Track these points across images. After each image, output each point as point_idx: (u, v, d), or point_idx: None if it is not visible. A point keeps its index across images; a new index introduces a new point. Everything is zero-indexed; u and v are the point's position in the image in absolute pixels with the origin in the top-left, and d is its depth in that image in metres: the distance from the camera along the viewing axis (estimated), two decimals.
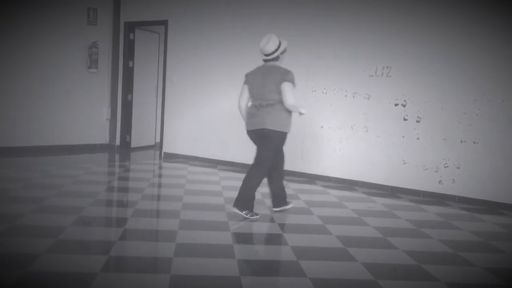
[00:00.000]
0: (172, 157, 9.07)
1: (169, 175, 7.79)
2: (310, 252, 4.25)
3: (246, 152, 8.23)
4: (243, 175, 7.55)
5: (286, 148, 7.76)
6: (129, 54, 9.84)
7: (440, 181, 6.60)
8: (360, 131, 7.15)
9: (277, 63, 5.27)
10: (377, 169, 7.04)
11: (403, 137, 6.82)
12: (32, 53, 8.82)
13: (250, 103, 5.31)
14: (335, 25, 7.31)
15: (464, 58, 6.39)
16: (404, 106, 6.80)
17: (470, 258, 4.29)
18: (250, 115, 5.22)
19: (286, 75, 5.07)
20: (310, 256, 4.13)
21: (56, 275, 3.51)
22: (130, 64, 9.88)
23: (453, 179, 6.51)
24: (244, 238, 4.52)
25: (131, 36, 9.81)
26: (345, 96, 7.24)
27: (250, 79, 5.27)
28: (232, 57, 8.35)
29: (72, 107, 9.40)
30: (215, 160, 8.59)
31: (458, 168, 6.46)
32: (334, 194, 6.62)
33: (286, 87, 5.02)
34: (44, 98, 9.03)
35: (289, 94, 5.01)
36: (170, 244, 4.26)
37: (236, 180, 7.23)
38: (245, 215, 5.06)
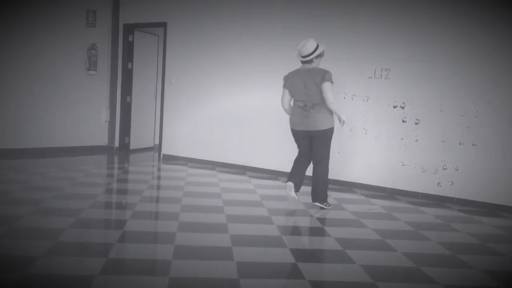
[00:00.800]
0: (171, 159, 9.07)
1: (168, 177, 7.79)
2: (308, 254, 4.25)
3: (244, 154, 8.26)
4: (241, 177, 7.63)
5: (285, 150, 7.79)
6: (128, 56, 9.85)
7: (438, 183, 6.60)
8: (359, 133, 7.16)
9: (313, 64, 5.71)
10: (376, 171, 7.05)
11: (402, 139, 6.83)
12: (31, 55, 8.82)
13: (292, 103, 5.86)
14: (333, 27, 7.32)
15: (463, 60, 6.40)
16: (403, 108, 6.81)
17: (469, 260, 4.30)
18: (299, 115, 5.71)
19: (325, 75, 5.55)
20: (309, 258, 4.13)
21: (55, 277, 3.51)
22: (129, 66, 9.89)
23: (451, 181, 6.51)
24: (243, 240, 4.52)
25: (130, 38, 9.81)
26: (344, 98, 7.24)
27: (289, 81, 5.78)
28: (232, 58, 8.36)
29: (71, 109, 9.41)
30: (214, 162, 8.59)
31: (457, 170, 6.47)
32: (332, 196, 6.62)
33: (326, 86, 5.51)
34: (43, 99, 9.04)
35: (330, 93, 5.54)
36: (169, 246, 4.26)
37: (235, 182, 7.25)
38: (325, 207, 5.78)
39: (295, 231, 4.94)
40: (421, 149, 6.70)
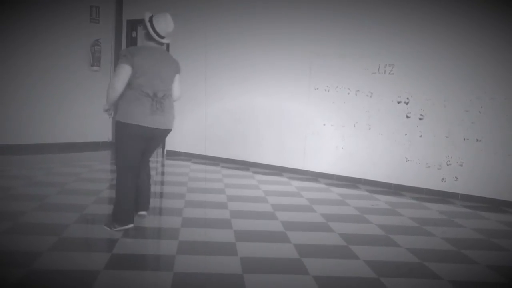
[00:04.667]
0: (175, 155, 9.07)
1: (171, 173, 7.79)
2: (312, 249, 4.25)
3: (248, 150, 8.25)
4: (245, 173, 7.63)
5: (289, 146, 7.79)
6: None
7: (443, 179, 6.59)
8: (363, 128, 7.14)
9: (163, 47, 4.62)
10: (380, 167, 7.04)
11: (406, 134, 6.81)
12: (34, 51, 8.81)
13: (131, 90, 4.37)
14: (337, 23, 7.30)
15: (467, 56, 6.37)
16: (406, 103, 6.79)
17: (473, 256, 4.29)
18: (149, 108, 4.34)
19: (179, 65, 4.62)
20: (313, 254, 4.13)
21: (59, 273, 3.52)
22: None
23: (456, 177, 6.50)
24: (246, 235, 4.52)
25: (134, 34, 9.80)
26: (348, 94, 7.23)
27: (138, 59, 4.34)
28: (235, 54, 8.34)
29: (75, 105, 9.40)
30: (217, 157, 8.59)
31: (461, 165, 6.45)
32: (336, 192, 6.61)
33: (178, 78, 4.62)
34: (46, 95, 9.03)
35: (180, 87, 4.68)
36: (173, 241, 4.26)
37: (238, 178, 7.25)
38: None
39: (299, 226, 4.93)
40: (425, 144, 6.68)
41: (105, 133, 9.97)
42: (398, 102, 6.86)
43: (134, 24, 9.75)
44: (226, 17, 8.45)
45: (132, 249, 4.16)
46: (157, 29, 4.42)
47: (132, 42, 9.79)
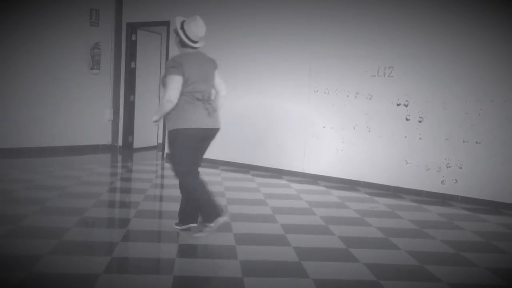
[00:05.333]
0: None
1: (171, 176, 7.77)
2: (312, 252, 4.25)
3: (248, 153, 8.26)
4: (245, 176, 7.63)
5: (288, 148, 7.80)
6: (131, 55, 9.86)
7: (442, 181, 6.59)
8: (362, 131, 7.15)
9: (199, 50, 4.63)
10: (379, 169, 7.04)
11: (405, 137, 6.82)
12: (34, 54, 8.83)
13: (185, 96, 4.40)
14: (337, 25, 7.31)
15: (466, 58, 6.38)
16: (406, 106, 6.80)
17: (473, 258, 4.29)
18: (204, 110, 4.45)
19: (216, 63, 4.68)
20: (313, 257, 4.13)
21: (60, 276, 3.52)
22: (132, 65, 9.90)
23: (455, 179, 6.50)
24: (246, 239, 4.52)
25: (133, 37, 9.82)
26: (347, 96, 7.24)
27: (187, 67, 4.37)
28: (234, 57, 8.35)
29: (75, 108, 9.42)
30: (217, 160, 8.58)
31: (461, 168, 6.46)
32: (336, 195, 6.62)
33: (218, 75, 4.65)
34: (46, 99, 9.05)
35: (224, 84, 4.72)
36: (172, 245, 4.27)
37: (238, 181, 7.25)
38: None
39: (298, 229, 4.94)
40: (424, 147, 6.69)
41: (105, 136, 9.98)
42: (398, 105, 6.87)
43: (134, 27, 9.77)
44: (226, 19, 8.46)
45: (132, 252, 4.17)
46: (189, 35, 4.43)
47: (131, 45, 9.81)
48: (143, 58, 10.02)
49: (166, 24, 9.19)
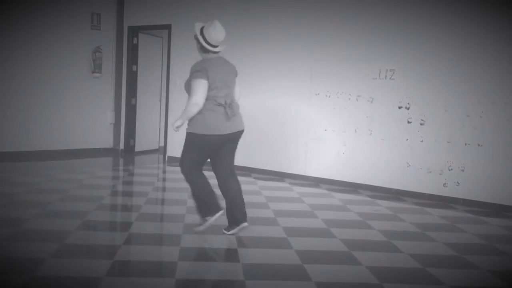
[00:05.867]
0: (176, 161, 9.01)
1: (173, 179, 7.80)
2: (314, 255, 4.25)
3: (250, 156, 8.25)
4: (247, 179, 7.63)
5: (290, 151, 7.80)
6: (133, 58, 9.87)
7: (444, 184, 6.59)
8: (364, 134, 7.15)
9: (220, 54, 4.69)
10: (381, 172, 7.04)
11: (407, 139, 6.82)
12: (35, 57, 8.85)
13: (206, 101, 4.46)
14: (338, 28, 7.32)
15: (468, 61, 6.39)
16: (408, 108, 6.80)
17: (475, 261, 4.29)
18: (223, 115, 4.51)
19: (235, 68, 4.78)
20: (315, 260, 4.13)
21: (62, 279, 3.52)
22: (134, 68, 9.91)
23: (457, 182, 6.50)
24: (248, 242, 4.53)
25: (135, 41, 9.84)
26: (349, 99, 7.24)
27: (212, 72, 4.46)
28: (236, 59, 8.33)
29: (76, 112, 9.43)
30: None
31: (463, 170, 6.45)
32: (338, 197, 6.62)
33: (236, 80, 4.76)
34: (48, 102, 9.07)
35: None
36: (174, 248, 4.27)
37: (240, 184, 7.23)
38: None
39: (300, 232, 4.93)
40: (426, 149, 6.69)
41: (107, 140, 9.99)
42: (399, 107, 6.87)
43: (135, 31, 9.79)
44: (226, 21, 8.43)
45: (134, 255, 4.17)
46: (209, 40, 4.47)
47: (133, 48, 9.83)
48: (144, 61, 10.03)
49: (168, 27, 9.20)
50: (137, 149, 10.07)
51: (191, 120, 4.48)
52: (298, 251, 4.30)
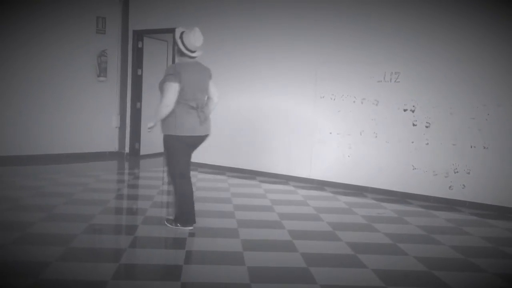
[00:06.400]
0: None
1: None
2: (320, 258, 4.24)
3: (254, 159, 8.26)
4: (252, 182, 7.63)
5: (295, 154, 7.80)
6: (138, 62, 9.90)
7: (450, 187, 6.57)
8: (369, 137, 7.14)
9: (197, 59, 4.85)
10: (387, 175, 7.03)
11: (413, 142, 6.80)
12: (40, 61, 8.88)
13: (177, 103, 4.64)
14: (343, 30, 7.32)
15: (473, 63, 6.37)
16: (413, 111, 6.79)
17: (481, 264, 4.27)
18: (196, 118, 4.72)
19: (210, 72, 4.94)
20: (320, 263, 4.12)
21: (68, 282, 3.53)
22: (139, 72, 9.93)
23: (463, 185, 6.48)
24: (254, 245, 4.52)
25: (140, 44, 9.86)
26: (354, 102, 7.23)
27: (183, 75, 4.63)
28: (240, 63, 8.37)
29: (82, 115, 9.46)
30: (224, 167, 8.60)
31: (468, 173, 6.43)
32: (343, 200, 6.61)
33: (212, 83, 4.91)
34: (53, 106, 9.10)
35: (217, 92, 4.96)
36: (180, 251, 4.27)
37: (245, 187, 7.25)
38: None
39: (306, 235, 4.93)
40: (432, 152, 6.67)
41: (112, 143, 10.01)
42: (404, 110, 6.86)
43: (140, 35, 9.81)
44: (231, 25, 8.49)
45: (140, 259, 4.17)
46: (187, 45, 4.71)
47: (138, 52, 9.85)
48: (149, 65, 10.05)
49: (172, 31, 9.10)
50: (142, 152, 10.08)
51: (165, 123, 4.70)
52: (304, 254, 4.29)
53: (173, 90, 4.57)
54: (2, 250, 4.11)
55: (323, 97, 7.51)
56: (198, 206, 5.87)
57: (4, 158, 8.40)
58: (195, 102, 4.70)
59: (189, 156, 4.96)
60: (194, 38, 4.69)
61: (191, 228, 4.89)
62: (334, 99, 7.41)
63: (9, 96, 8.59)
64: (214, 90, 4.92)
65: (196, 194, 6.60)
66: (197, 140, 4.86)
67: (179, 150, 4.78)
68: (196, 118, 4.71)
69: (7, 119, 8.59)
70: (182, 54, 4.75)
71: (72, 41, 9.23)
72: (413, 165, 6.82)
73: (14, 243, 4.28)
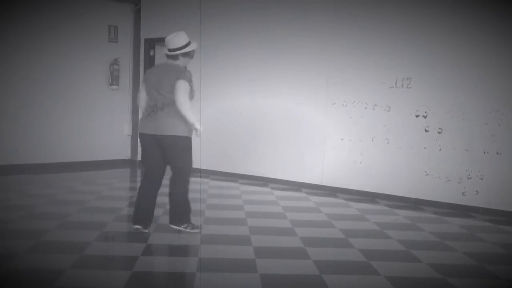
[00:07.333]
0: (193, 172, 9.07)
1: (190, 190, 7.81)
2: (332, 266, 4.23)
3: (266, 166, 8.25)
4: (264, 189, 7.63)
5: (307, 161, 7.78)
6: None
7: (463, 193, 6.52)
8: (381, 143, 7.12)
9: (178, 62, 4.89)
10: (399, 181, 6.99)
11: (425, 148, 6.77)
12: (53, 70, 8.94)
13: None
14: (354, 36, 7.31)
15: (485, 68, 6.34)
16: (425, 117, 6.76)
17: (496, 270, 4.23)
18: (147, 117, 4.87)
19: (184, 73, 4.76)
20: (333, 270, 4.11)
21: None
22: None
23: (476, 191, 6.43)
24: (266, 252, 4.52)
25: (152, 53, 9.92)
26: (365, 108, 7.22)
27: (146, 76, 5.06)
28: (251, 69, 8.38)
29: (94, 123, 9.52)
30: (236, 174, 8.59)
31: (482, 179, 6.39)
32: (355, 207, 6.58)
33: (180, 85, 4.68)
34: (66, 114, 9.16)
35: (182, 93, 4.68)
36: (193, 258, 4.28)
37: (257, 194, 7.25)
38: (187, 229, 4.98)
39: (318, 242, 4.91)
40: (444, 158, 6.64)
41: (124, 151, 10.06)
42: (417, 116, 6.83)
43: (152, 43, 9.87)
44: (241, 31, 8.51)
45: (153, 267, 4.18)
46: (165, 44, 4.95)
47: (150, 60, 9.91)
48: None
49: None
50: None
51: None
52: (316, 261, 4.28)
53: (142, 89, 4.98)
54: (16, 258, 4.14)
55: (335, 103, 7.51)
56: (210, 214, 5.89)
57: (18, 166, 8.47)
58: (153, 101, 4.82)
59: (155, 157, 4.93)
60: (170, 38, 4.89)
61: (137, 227, 4.94)
62: (346, 105, 7.40)
63: (21, 104, 8.66)
64: (176, 93, 4.69)
65: (208, 201, 6.63)
66: (149, 139, 4.86)
67: (142, 147, 5.03)
68: (147, 116, 4.86)
69: (22, 127, 8.66)
70: (165, 55, 4.98)
71: (86, 51, 9.30)
72: (425, 171, 6.79)
73: (29, 251, 4.31)
